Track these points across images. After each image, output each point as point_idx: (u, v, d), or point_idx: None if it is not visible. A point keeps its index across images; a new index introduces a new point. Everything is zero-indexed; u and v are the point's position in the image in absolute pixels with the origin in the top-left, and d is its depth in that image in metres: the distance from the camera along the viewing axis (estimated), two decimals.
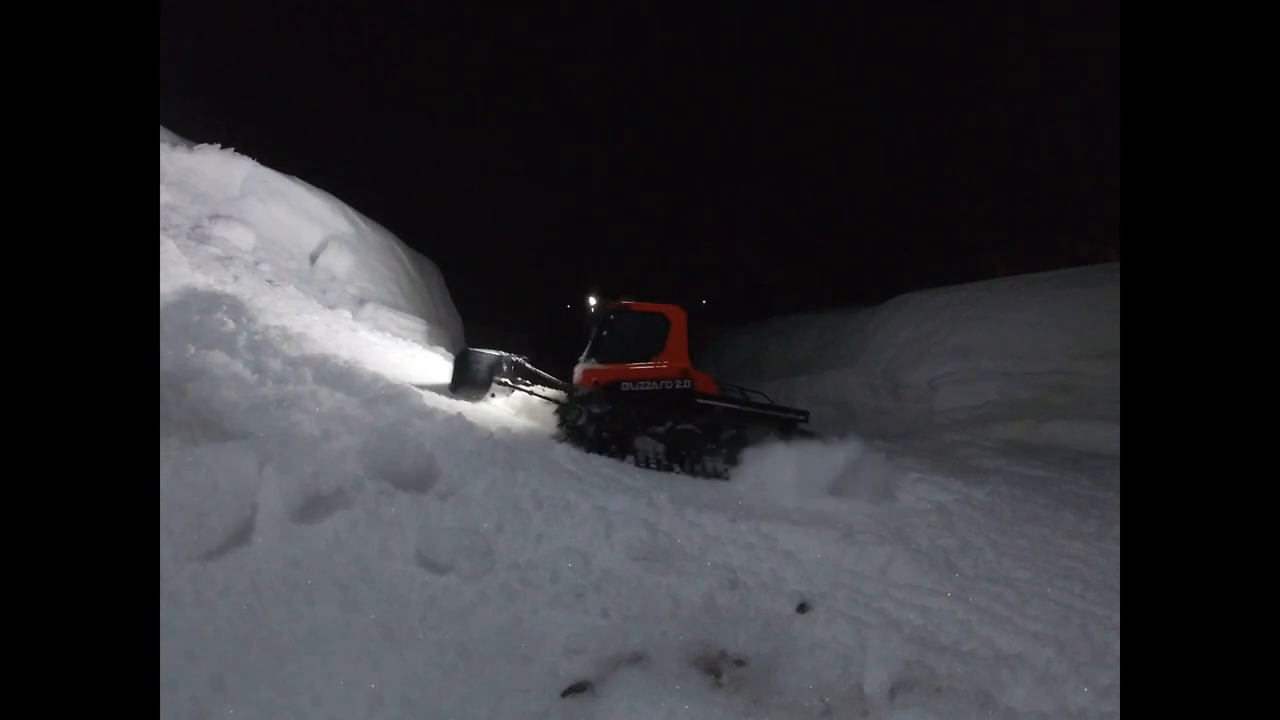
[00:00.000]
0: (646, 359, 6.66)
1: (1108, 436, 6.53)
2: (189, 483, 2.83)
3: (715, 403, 6.61)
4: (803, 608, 3.06)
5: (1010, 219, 21.09)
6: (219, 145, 8.18)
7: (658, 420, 6.17)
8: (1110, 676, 2.52)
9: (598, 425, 5.98)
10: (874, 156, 22.61)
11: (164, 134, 8.04)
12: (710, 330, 18.99)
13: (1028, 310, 9.47)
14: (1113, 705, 2.39)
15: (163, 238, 6.08)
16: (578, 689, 2.45)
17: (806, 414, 7.03)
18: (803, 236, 24.05)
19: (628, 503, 3.92)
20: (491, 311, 19.00)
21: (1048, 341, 8.87)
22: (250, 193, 8.34)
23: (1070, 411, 7.53)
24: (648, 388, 6.54)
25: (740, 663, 2.71)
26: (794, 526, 3.85)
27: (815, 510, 4.45)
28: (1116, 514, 4.20)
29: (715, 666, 2.68)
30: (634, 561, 3.36)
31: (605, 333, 6.78)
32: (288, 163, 8.84)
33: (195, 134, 8.39)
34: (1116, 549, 3.62)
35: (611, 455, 5.80)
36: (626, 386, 6.45)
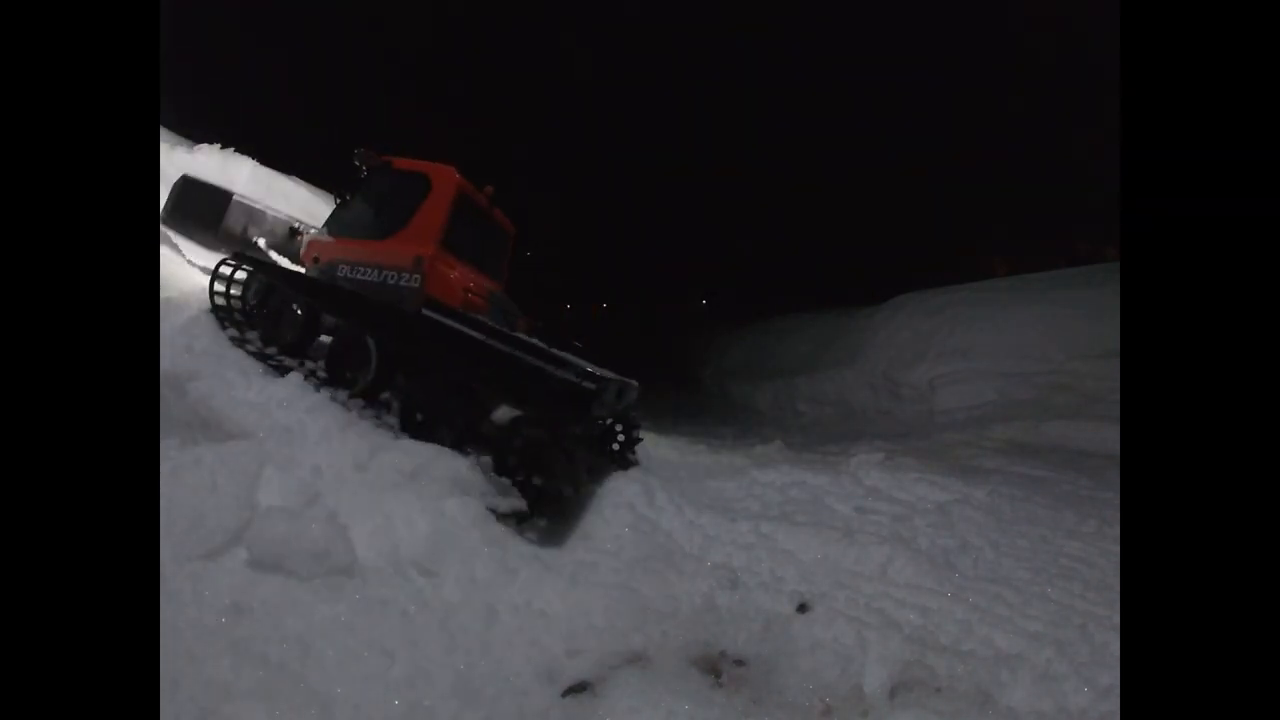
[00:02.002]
0: (384, 236, 4.63)
1: (1108, 436, 6.52)
2: (189, 483, 2.84)
3: (448, 320, 4.14)
4: (803, 608, 3.06)
5: (1010, 219, 21.10)
6: (219, 145, 8.17)
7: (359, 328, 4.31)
8: (1110, 676, 2.52)
9: (258, 303, 4.57)
10: (874, 156, 22.64)
11: (164, 134, 8.03)
12: (710, 330, 19.00)
13: (1028, 310, 9.46)
14: (1113, 705, 2.39)
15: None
16: (578, 689, 2.45)
17: (598, 381, 3.72)
18: (803, 236, 24.09)
19: (627, 502, 3.93)
20: None
21: (1048, 341, 8.87)
22: (251, 193, 8.33)
23: (1070, 411, 7.52)
24: (365, 277, 4.51)
25: (740, 663, 2.71)
26: (794, 526, 3.85)
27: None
28: (1116, 514, 4.19)
29: (715, 666, 2.68)
30: (634, 561, 3.36)
31: (350, 197, 4.98)
32: (288, 163, 8.83)
33: (195, 134, 8.38)
34: (1116, 549, 3.62)
35: (272, 362, 4.35)
36: (343, 272, 4.60)
